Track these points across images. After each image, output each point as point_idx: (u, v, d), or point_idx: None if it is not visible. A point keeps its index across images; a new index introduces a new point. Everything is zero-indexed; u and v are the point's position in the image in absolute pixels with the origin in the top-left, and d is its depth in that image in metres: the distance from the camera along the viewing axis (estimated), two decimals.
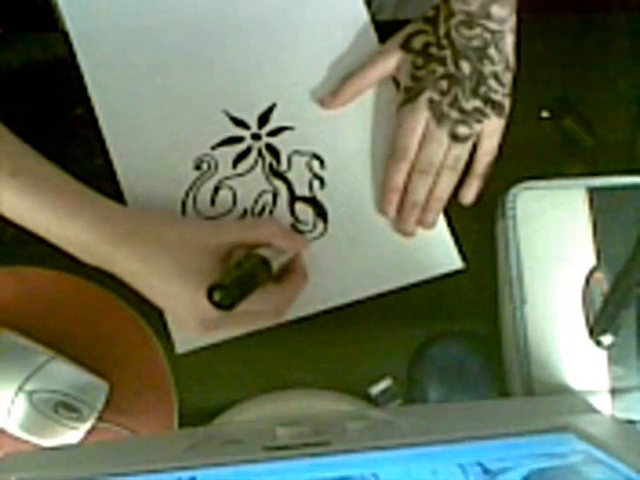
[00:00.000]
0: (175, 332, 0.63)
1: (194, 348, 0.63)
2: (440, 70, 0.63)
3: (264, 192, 0.66)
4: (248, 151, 0.66)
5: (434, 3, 0.65)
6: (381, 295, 0.65)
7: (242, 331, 0.63)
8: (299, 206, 0.66)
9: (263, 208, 0.66)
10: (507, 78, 0.64)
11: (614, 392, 0.60)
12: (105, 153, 0.65)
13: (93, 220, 0.57)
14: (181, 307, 0.58)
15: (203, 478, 0.46)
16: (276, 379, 0.64)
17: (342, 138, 0.67)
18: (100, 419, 0.61)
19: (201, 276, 0.56)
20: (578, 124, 0.67)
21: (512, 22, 0.63)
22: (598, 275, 0.61)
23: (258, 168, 0.66)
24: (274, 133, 0.66)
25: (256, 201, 0.66)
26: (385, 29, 0.67)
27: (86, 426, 0.61)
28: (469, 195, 0.66)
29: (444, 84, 0.63)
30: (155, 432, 0.62)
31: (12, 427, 0.60)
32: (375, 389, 0.64)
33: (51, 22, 0.70)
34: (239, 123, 0.66)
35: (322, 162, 0.66)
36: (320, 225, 0.66)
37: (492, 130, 0.64)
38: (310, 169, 0.66)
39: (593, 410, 0.58)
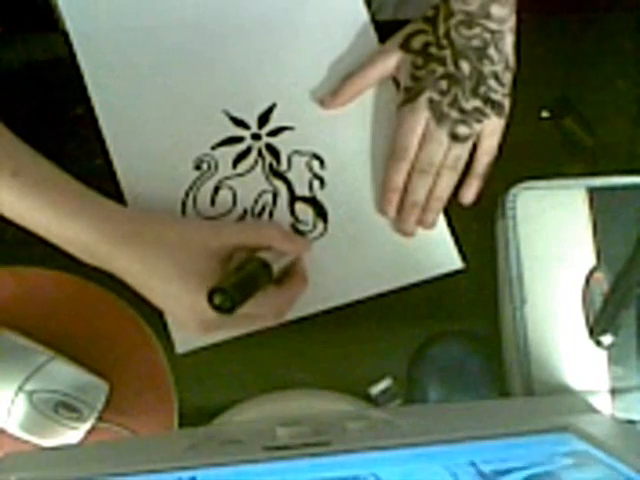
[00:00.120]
0: (175, 332, 0.63)
1: (194, 348, 0.63)
2: (440, 70, 0.63)
3: (264, 192, 0.66)
4: (248, 151, 0.66)
5: (434, 3, 0.65)
6: (381, 295, 0.65)
7: (242, 332, 0.63)
8: (299, 206, 0.66)
9: (263, 208, 0.66)
10: (507, 78, 0.64)
11: (614, 392, 0.60)
12: (105, 153, 0.65)
13: (93, 220, 0.57)
14: (181, 308, 0.58)
15: (203, 478, 0.46)
16: (276, 379, 0.64)
17: (342, 138, 0.67)
18: (100, 419, 0.61)
19: (201, 277, 0.56)
20: (578, 124, 0.67)
21: (512, 22, 0.63)
22: (598, 275, 0.61)
23: (258, 168, 0.66)
24: (274, 133, 0.66)
25: (256, 201, 0.66)
26: (385, 29, 0.67)
27: (86, 426, 0.61)
28: (469, 195, 0.66)
29: (444, 84, 0.63)
30: (155, 432, 0.62)
31: (12, 427, 0.60)
32: (375, 389, 0.64)
33: (51, 22, 0.70)
34: (239, 123, 0.66)
35: (322, 162, 0.66)
36: (320, 225, 0.66)
37: (492, 130, 0.64)
38: (310, 169, 0.66)
39: (593, 410, 0.58)
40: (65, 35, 0.66)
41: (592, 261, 0.62)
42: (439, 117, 0.63)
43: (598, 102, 0.68)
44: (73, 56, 0.66)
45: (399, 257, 0.65)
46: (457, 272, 0.65)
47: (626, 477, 0.44)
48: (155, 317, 0.63)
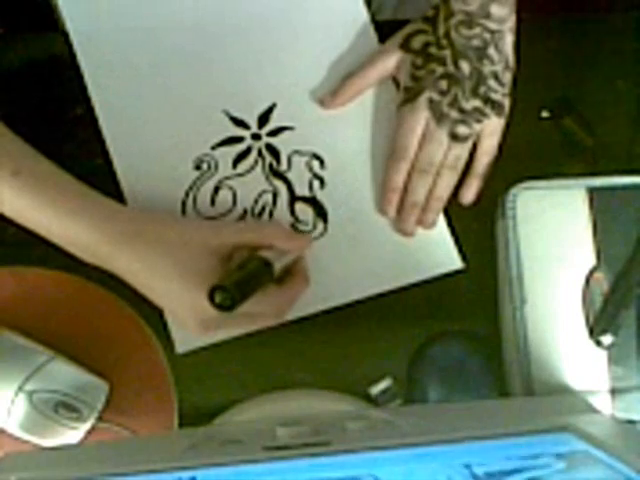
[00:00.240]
0: (175, 332, 0.63)
1: (194, 348, 0.63)
2: (440, 70, 0.63)
3: (264, 192, 0.66)
4: (248, 151, 0.66)
5: (434, 3, 0.65)
6: (381, 295, 0.65)
7: (242, 331, 0.63)
8: (299, 206, 0.66)
9: (263, 208, 0.66)
10: (507, 78, 0.64)
11: (614, 392, 0.60)
12: (105, 153, 0.65)
13: (94, 220, 0.57)
14: (181, 307, 0.58)
15: (203, 478, 0.46)
16: (276, 379, 0.64)
17: (342, 138, 0.67)
18: (100, 419, 0.61)
19: (201, 276, 0.56)
20: (578, 124, 0.67)
21: (512, 22, 0.63)
22: (598, 275, 0.61)
23: (258, 168, 0.66)
24: (274, 133, 0.66)
25: (256, 201, 0.66)
26: (385, 29, 0.67)
27: (86, 426, 0.61)
28: (469, 195, 0.66)
29: (444, 84, 0.63)
30: (155, 432, 0.62)
31: (12, 427, 0.60)
32: (375, 389, 0.64)
33: (51, 22, 0.70)
34: (239, 123, 0.66)
35: (322, 162, 0.66)
36: (320, 225, 0.66)
37: (492, 130, 0.64)
38: (310, 169, 0.66)
39: (593, 410, 0.58)
40: (65, 35, 0.66)
41: (592, 261, 0.62)
42: (439, 117, 0.63)
43: (598, 102, 0.68)
44: (73, 56, 0.66)
45: (399, 257, 0.65)
46: (457, 272, 0.65)
47: (626, 477, 0.44)
48: (155, 317, 0.63)
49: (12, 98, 0.65)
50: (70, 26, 0.66)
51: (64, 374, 0.60)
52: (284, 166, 0.66)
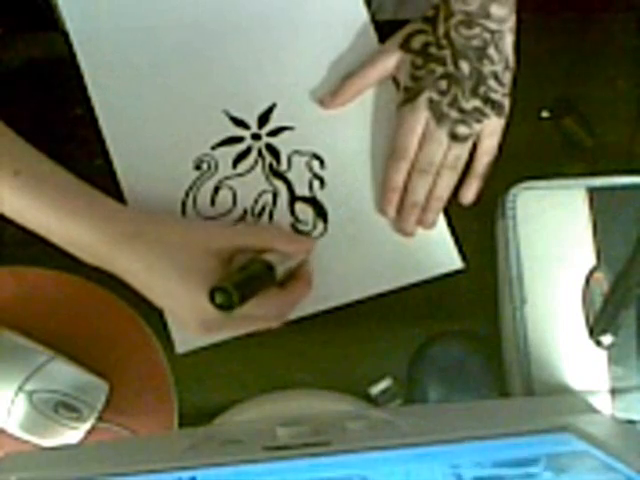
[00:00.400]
0: (175, 332, 0.63)
1: (194, 348, 0.63)
2: (439, 70, 0.63)
3: (264, 192, 0.66)
4: (248, 151, 0.66)
5: (434, 3, 0.65)
6: (381, 295, 0.65)
7: (242, 333, 0.63)
8: (299, 206, 0.66)
9: (263, 208, 0.66)
10: (507, 78, 0.64)
11: (614, 392, 0.60)
12: (105, 153, 0.65)
13: (94, 220, 0.57)
14: (181, 308, 0.58)
15: (203, 478, 0.46)
16: (276, 379, 0.64)
17: (342, 138, 0.67)
18: (100, 419, 0.61)
19: (202, 277, 0.56)
20: (578, 124, 0.67)
21: (511, 22, 0.63)
22: (598, 275, 0.61)
23: (258, 168, 0.66)
24: (274, 133, 0.66)
25: (256, 201, 0.66)
26: (385, 29, 0.67)
27: (86, 426, 0.61)
28: (469, 195, 0.66)
29: (443, 84, 0.63)
30: (155, 432, 0.62)
31: (12, 427, 0.60)
32: (375, 389, 0.64)
33: (51, 22, 0.70)
34: (239, 123, 0.66)
35: (322, 162, 0.66)
36: (320, 225, 0.66)
37: (492, 130, 0.64)
38: (310, 169, 0.66)
39: (593, 410, 0.58)
40: (65, 35, 0.66)
41: (592, 261, 0.62)
42: (439, 117, 0.63)
43: (598, 102, 0.68)
44: (73, 56, 0.66)
45: (399, 257, 0.65)
46: (457, 272, 0.65)
47: (626, 477, 0.44)
48: (155, 317, 0.63)
49: (12, 98, 0.65)
50: (70, 26, 0.66)
51: (64, 374, 0.60)
52: (284, 166, 0.66)
